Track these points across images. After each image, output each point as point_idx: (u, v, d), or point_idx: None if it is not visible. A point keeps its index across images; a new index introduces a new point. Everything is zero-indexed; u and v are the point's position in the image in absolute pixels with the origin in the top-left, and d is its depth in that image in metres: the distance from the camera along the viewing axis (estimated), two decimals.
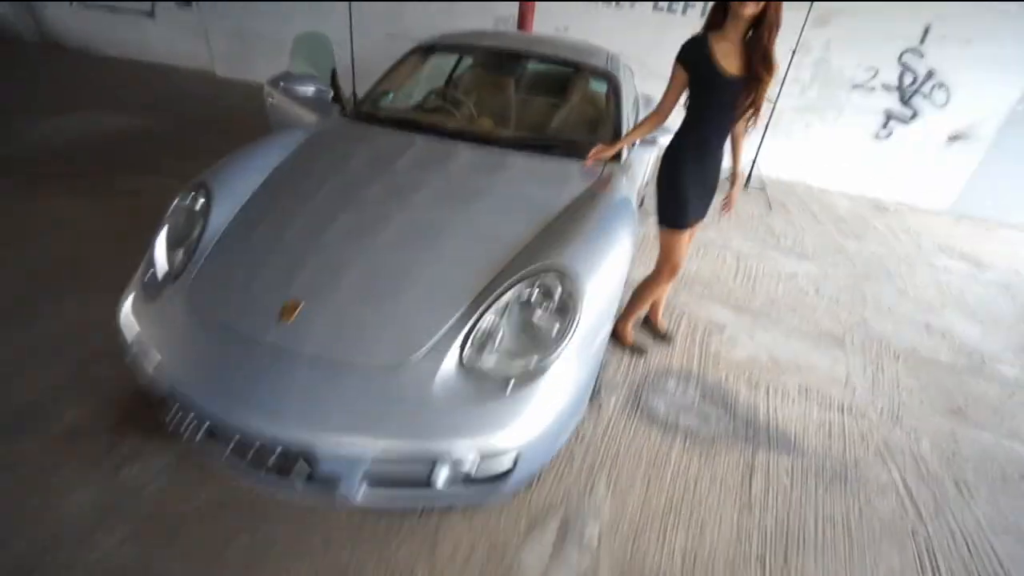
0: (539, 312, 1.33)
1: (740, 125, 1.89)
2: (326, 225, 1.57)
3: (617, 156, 2.14)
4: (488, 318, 1.31)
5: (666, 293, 2.43)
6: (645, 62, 5.31)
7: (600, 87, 2.48)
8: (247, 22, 6.82)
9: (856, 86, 4.89)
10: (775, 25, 1.63)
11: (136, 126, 4.58)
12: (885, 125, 4.95)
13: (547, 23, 5.47)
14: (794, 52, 4.21)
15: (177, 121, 4.85)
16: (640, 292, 2.24)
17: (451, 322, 1.31)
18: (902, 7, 4.48)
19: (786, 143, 5.26)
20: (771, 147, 5.20)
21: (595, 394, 2.02)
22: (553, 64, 2.58)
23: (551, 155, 2.07)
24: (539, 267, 1.38)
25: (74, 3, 8.02)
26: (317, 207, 1.65)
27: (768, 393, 2.24)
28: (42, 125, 4.33)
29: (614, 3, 5.25)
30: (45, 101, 5.05)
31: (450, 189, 1.77)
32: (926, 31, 4.54)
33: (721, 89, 1.73)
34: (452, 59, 2.78)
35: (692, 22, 5.07)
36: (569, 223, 1.61)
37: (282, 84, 2.70)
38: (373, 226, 1.57)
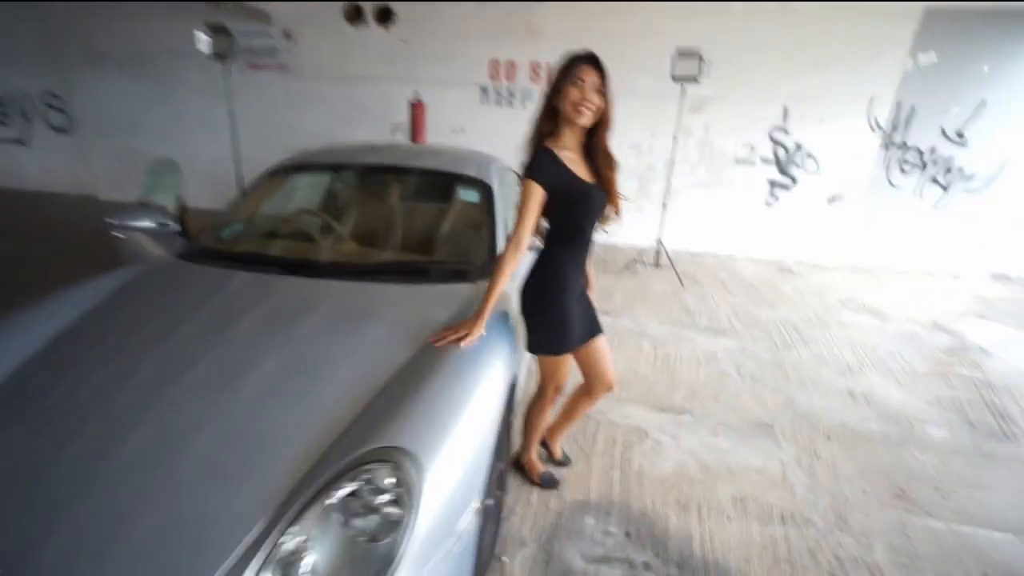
0: (363, 520, 0.98)
1: None
2: (94, 407, 1.18)
3: (491, 271, 1.94)
4: (293, 536, 0.94)
5: (585, 408, 2.04)
6: None
7: (472, 197, 2.33)
8: (129, 142, 6.52)
9: (739, 161, 5.24)
10: (609, 125, 1.57)
11: None
12: (771, 193, 5.29)
13: (442, 125, 5.58)
14: (675, 138, 4.44)
15: (21, 248, 4.31)
16: (530, 419, 1.95)
17: (242, 547, 0.93)
18: (760, 93, 4.97)
19: (687, 218, 5.47)
20: (673, 224, 5.37)
21: (493, 562, 1.64)
22: (421, 176, 2.43)
23: (410, 282, 1.83)
24: (361, 456, 1.04)
25: None
26: (89, 386, 1.26)
27: (701, 515, 1.94)
28: None
29: (506, 105, 5.47)
30: None
31: (268, 346, 1.41)
32: (785, 112, 5.03)
33: (590, 198, 1.59)
34: (315, 178, 2.58)
35: None
36: (414, 377, 1.29)
37: (117, 219, 2.34)
38: (157, 406, 1.19)
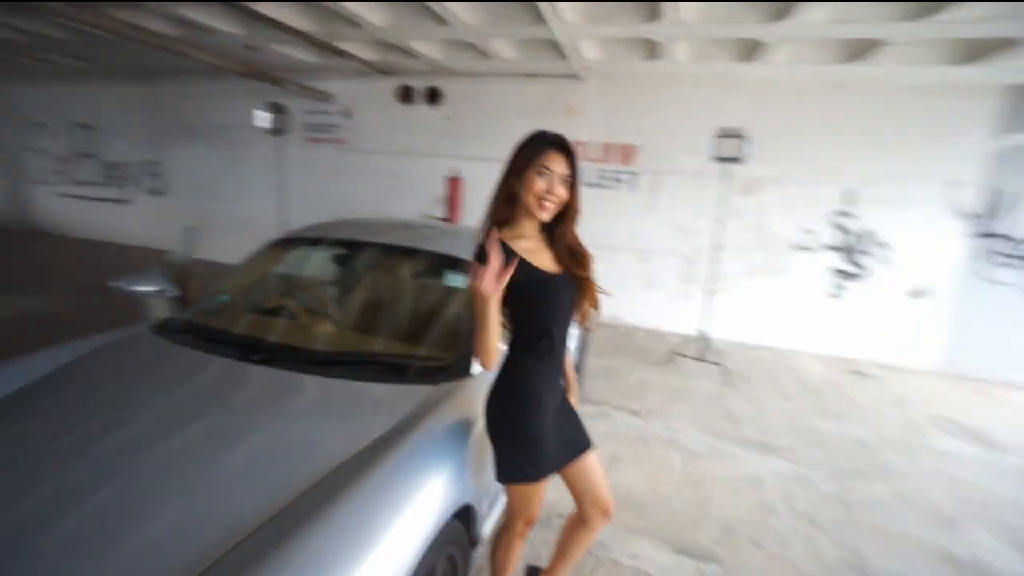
0: None
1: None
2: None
3: (466, 371, 1.65)
4: None
5: (584, 542, 1.57)
6: (580, 232, 5.28)
7: (460, 283, 2.09)
8: (207, 203, 7.09)
9: (798, 247, 4.74)
10: (576, 218, 1.33)
11: (41, 309, 4.24)
12: (837, 282, 4.69)
13: (481, 201, 5.55)
14: (719, 221, 4.08)
15: (86, 301, 4.53)
16: (496, 558, 1.53)
17: None
18: (819, 174, 4.55)
19: (741, 306, 4.95)
20: (724, 312, 4.86)
21: None
22: (411, 256, 2.22)
23: (364, 379, 1.57)
24: None
25: (59, 193, 8.48)
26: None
27: None
28: None
29: None
30: None
31: (188, 442, 1.25)
32: (849, 195, 4.55)
33: (555, 291, 1.31)
34: (307, 253, 2.46)
35: (622, 195, 5.14)
36: (322, 498, 1.07)
37: (122, 283, 2.30)
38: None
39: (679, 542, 2.11)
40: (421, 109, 5.67)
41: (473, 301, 1.23)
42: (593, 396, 3.47)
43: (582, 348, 3.56)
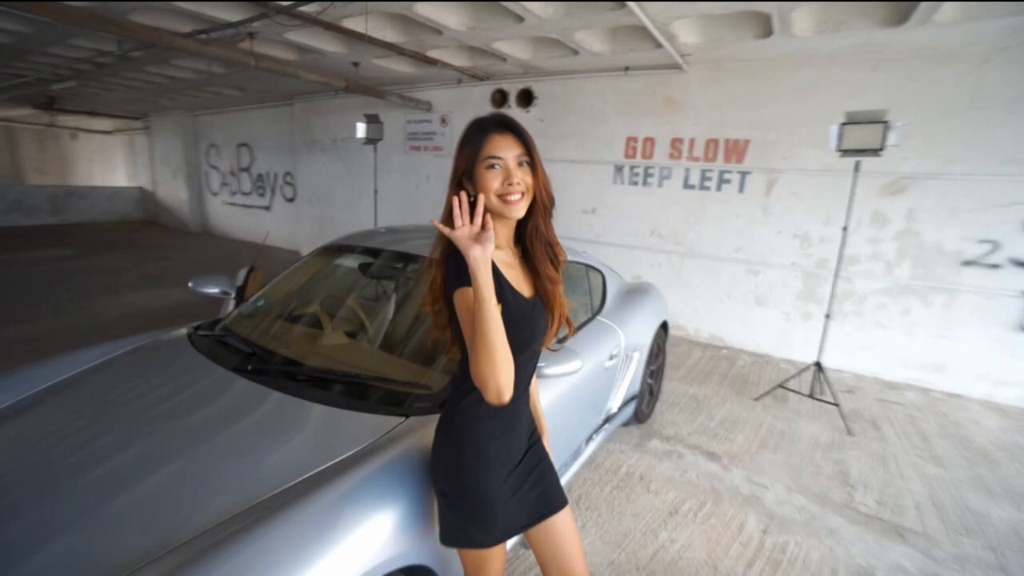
0: None
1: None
2: None
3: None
4: None
5: None
6: (681, 239, 4.73)
7: None
8: (325, 209, 7.86)
9: (969, 263, 3.65)
10: (548, 208, 1.09)
11: (181, 299, 5.02)
12: None
13: (573, 206, 5.28)
14: (845, 229, 3.27)
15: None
16: None
17: None
18: (1006, 166, 3.43)
19: (879, 334, 3.98)
20: (855, 340, 3.97)
21: None
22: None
23: (347, 401, 1.46)
24: None
25: (224, 202, 10.08)
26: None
27: None
28: (130, 298, 4.94)
29: (641, 184, 4.91)
30: (155, 275, 5.93)
31: (164, 448, 1.27)
32: None
33: (537, 318, 1.09)
34: (345, 261, 2.42)
35: (728, 198, 4.46)
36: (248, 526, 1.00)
37: (194, 284, 2.53)
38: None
39: None
40: (515, 112, 5.57)
41: (460, 311, 0.99)
42: (664, 430, 3.00)
43: (657, 371, 3.12)
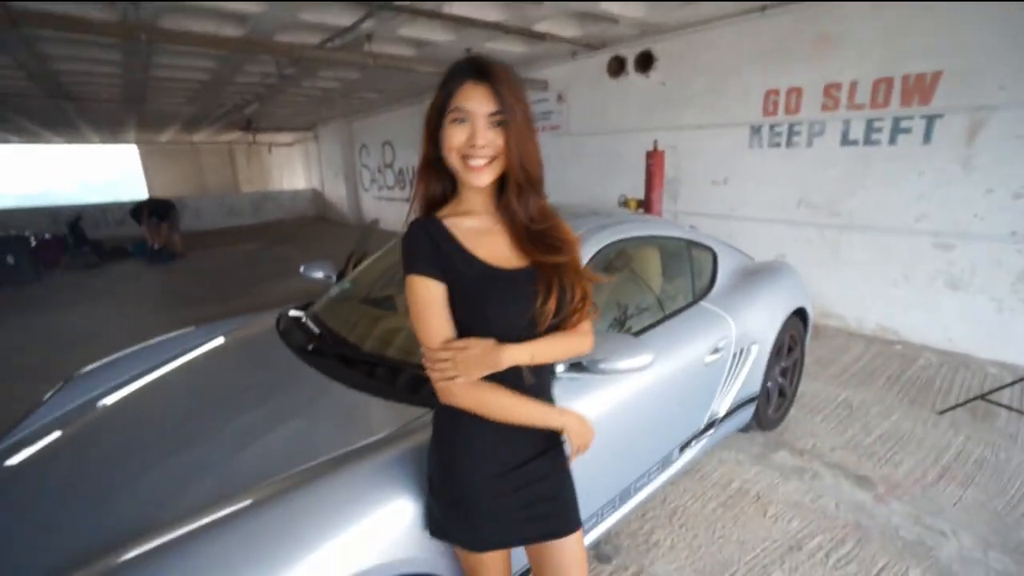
0: None
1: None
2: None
3: None
4: None
5: None
6: (837, 209, 3.88)
7: None
8: None
9: None
10: (529, 172, 0.87)
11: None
12: None
13: (700, 177, 4.68)
14: None
15: None
16: None
17: None
18: None
19: None
20: None
21: None
22: None
23: (386, 389, 1.43)
24: None
25: (374, 196, 11.26)
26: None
27: None
28: (294, 283, 5.85)
29: (784, 146, 4.12)
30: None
31: (213, 443, 1.34)
32: None
33: (518, 291, 0.88)
34: None
35: (907, 152, 3.48)
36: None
37: (305, 270, 2.78)
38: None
39: None
40: (633, 80, 5.09)
41: (409, 304, 0.89)
42: (799, 441, 2.46)
43: (791, 368, 2.59)
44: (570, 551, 0.96)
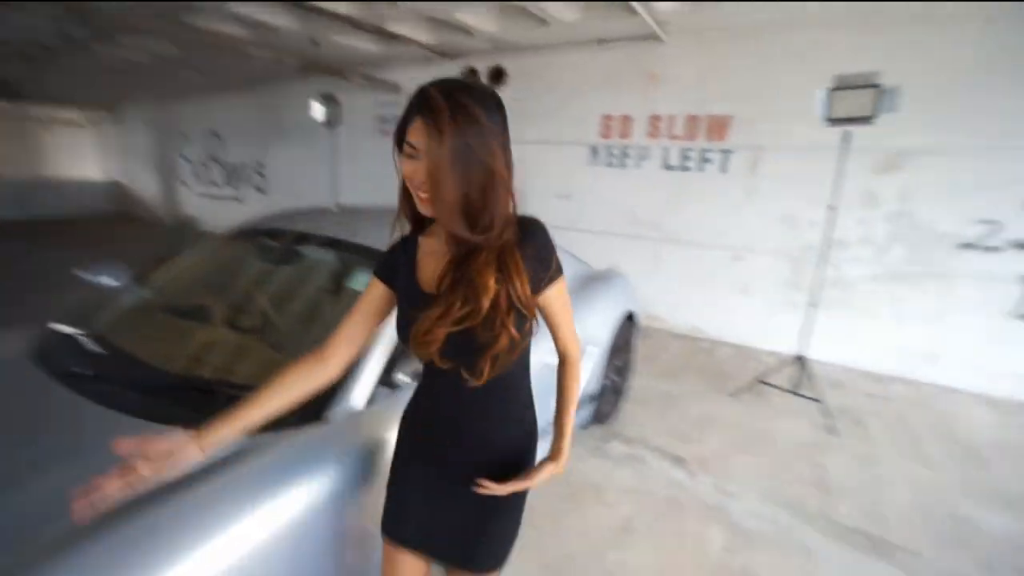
0: None
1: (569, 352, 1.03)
2: None
3: (315, 413, 1.19)
4: None
5: None
6: (659, 224, 4.44)
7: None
8: (297, 199, 7.54)
9: (966, 245, 3.37)
10: (442, 201, 0.81)
11: None
12: None
13: (546, 191, 4.99)
14: (831, 208, 3.00)
15: None
16: None
17: None
18: (1011, 138, 3.14)
19: (867, 323, 3.71)
20: (842, 330, 3.72)
21: None
22: (335, 251, 1.78)
23: (174, 414, 1.17)
24: None
25: (198, 193, 9.77)
26: None
27: None
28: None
29: (617, 166, 4.62)
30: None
31: None
32: None
33: (406, 312, 0.93)
34: (243, 246, 2.13)
35: (710, 179, 4.17)
36: None
37: (84, 272, 2.22)
38: None
39: None
40: None
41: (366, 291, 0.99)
42: (628, 430, 2.74)
43: (623, 366, 2.86)
44: None
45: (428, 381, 0.98)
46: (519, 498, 0.99)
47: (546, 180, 5.03)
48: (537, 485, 0.95)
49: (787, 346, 3.98)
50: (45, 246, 7.35)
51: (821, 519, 2.11)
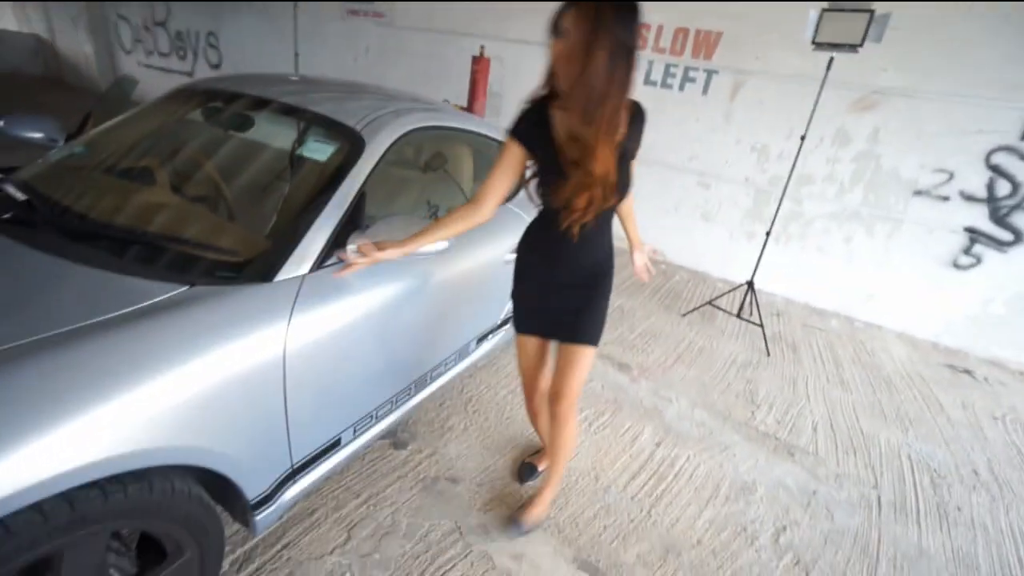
0: None
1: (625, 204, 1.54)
2: None
3: (265, 275, 1.15)
4: None
5: (555, 430, 1.51)
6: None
7: (320, 154, 1.47)
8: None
9: (919, 192, 3.47)
10: (574, 83, 1.07)
11: None
12: (968, 249, 3.42)
13: (523, 92, 4.71)
14: (803, 138, 2.99)
15: None
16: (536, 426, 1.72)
17: None
18: (989, 89, 3.14)
19: (818, 259, 3.86)
20: (793, 263, 3.86)
21: None
22: (286, 116, 1.62)
23: (127, 265, 1.10)
24: None
25: (140, 63, 8.73)
26: None
27: None
28: None
29: None
30: None
31: None
32: None
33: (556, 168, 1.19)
34: (190, 106, 1.92)
35: (690, 99, 4.04)
36: None
37: (6, 125, 1.98)
38: None
39: (590, 553, 1.55)
40: None
41: (501, 155, 1.24)
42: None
43: None
44: (577, 355, 1.38)
45: (545, 218, 1.29)
46: (606, 297, 1.41)
47: (524, 84, 4.72)
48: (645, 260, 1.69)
49: (740, 275, 4.13)
50: None
51: (744, 426, 2.30)
